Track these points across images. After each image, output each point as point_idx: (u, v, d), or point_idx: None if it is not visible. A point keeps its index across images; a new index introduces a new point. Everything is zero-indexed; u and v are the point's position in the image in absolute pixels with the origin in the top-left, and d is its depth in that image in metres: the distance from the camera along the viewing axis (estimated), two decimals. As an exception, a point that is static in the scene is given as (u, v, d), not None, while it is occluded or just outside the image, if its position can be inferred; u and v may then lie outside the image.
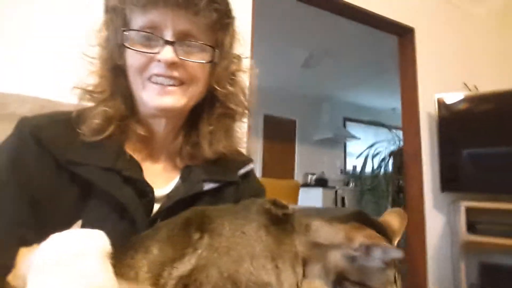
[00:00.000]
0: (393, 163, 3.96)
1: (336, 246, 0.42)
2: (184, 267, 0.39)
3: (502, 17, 2.60)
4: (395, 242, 0.48)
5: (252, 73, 0.68)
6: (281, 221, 0.45)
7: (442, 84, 2.41)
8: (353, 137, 5.68)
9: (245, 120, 0.68)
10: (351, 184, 5.27)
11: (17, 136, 0.52)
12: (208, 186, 0.59)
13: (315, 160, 5.48)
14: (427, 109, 2.36)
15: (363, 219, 0.45)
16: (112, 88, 0.57)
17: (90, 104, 0.58)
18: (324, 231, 0.44)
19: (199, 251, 0.41)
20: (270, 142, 5.14)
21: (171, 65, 0.53)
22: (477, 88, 2.39)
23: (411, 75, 2.42)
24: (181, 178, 0.61)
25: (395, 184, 3.79)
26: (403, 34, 2.47)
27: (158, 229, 0.45)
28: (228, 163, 0.63)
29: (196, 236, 0.42)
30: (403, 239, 2.27)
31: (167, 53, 0.52)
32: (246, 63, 0.66)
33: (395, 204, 3.55)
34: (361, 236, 0.40)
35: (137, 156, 0.58)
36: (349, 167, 5.70)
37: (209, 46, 0.56)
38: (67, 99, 0.63)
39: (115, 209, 0.51)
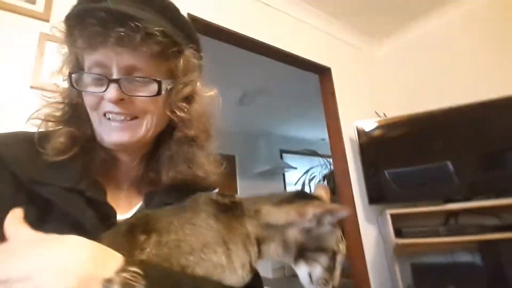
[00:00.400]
0: (328, 185, 4.20)
1: (290, 224, 0.46)
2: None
3: (396, 56, 3.20)
4: None
5: (213, 98, 0.68)
6: (230, 209, 0.47)
7: (358, 113, 2.81)
8: (290, 167, 5.97)
9: (213, 144, 0.66)
10: None
11: None
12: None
13: (256, 193, 5.49)
14: (349, 136, 2.70)
15: (303, 196, 0.51)
16: (76, 114, 0.58)
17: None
18: (275, 214, 0.47)
19: (148, 249, 0.41)
20: None
21: (119, 102, 0.53)
22: (385, 115, 2.83)
23: (333, 107, 2.75)
24: (144, 202, 0.61)
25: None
26: (322, 73, 2.85)
27: (105, 236, 0.44)
28: (191, 188, 0.60)
29: (142, 238, 0.42)
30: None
31: (111, 91, 0.52)
32: (204, 88, 0.65)
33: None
34: (311, 209, 0.45)
35: (101, 180, 0.58)
36: None
37: (154, 80, 0.55)
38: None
39: (77, 231, 0.47)
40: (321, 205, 0.46)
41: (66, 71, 0.58)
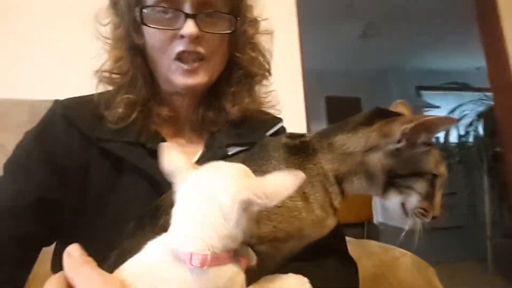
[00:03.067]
0: (485, 126, 3.32)
1: (373, 148, 0.40)
2: None
3: None
4: None
5: (272, 35, 0.67)
6: (300, 150, 0.44)
7: None
8: (431, 106, 5.16)
9: (267, 83, 0.67)
10: None
11: (48, 114, 0.57)
12: (233, 150, 0.58)
13: None
14: None
15: (383, 113, 0.44)
16: (133, 70, 0.57)
17: (109, 87, 0.59)
18: (352, 141, 0.42)
19: None
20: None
21: (195, 39, 0.52)
22: None
23: (494, 24, 2.08)
24: (205, 146, 0.60)
25: (489, 151, 3.22)
26: None
27: None
28: (254, 124, 0.62)
29: None
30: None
31: (190, 27, 0.51)
32: (263, 25, 0.65)
33: (492, 174, 2.99)
34: (398, 126, 0.39)
35: (161, 130, 0.59)
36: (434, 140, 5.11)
37: (230, 14, 0.55)
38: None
39: (146, 182, 0.52)
40: (411, 119, 0.39)
41: (117, 8, 0.57)
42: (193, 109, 0.62)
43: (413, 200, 0.41)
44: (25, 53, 1.38)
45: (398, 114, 0.44)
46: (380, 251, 0.90)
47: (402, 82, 5.30)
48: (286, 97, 1.17)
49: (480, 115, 3.47)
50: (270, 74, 0.66)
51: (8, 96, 0.93)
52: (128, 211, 0.48)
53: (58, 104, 0.57)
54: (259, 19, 0.64)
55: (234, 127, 0.60)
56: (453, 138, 4.20)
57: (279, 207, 0.38)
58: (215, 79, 0.60)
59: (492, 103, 2.61)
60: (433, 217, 0.42)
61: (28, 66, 1.37)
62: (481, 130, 3.37)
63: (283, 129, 0.67)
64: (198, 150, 0.60)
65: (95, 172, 0.54)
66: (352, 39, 4.08)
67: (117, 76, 0.58)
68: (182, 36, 0.52)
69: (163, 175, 0.48)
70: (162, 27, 0.52)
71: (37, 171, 0.51)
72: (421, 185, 0.40)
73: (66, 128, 0.54)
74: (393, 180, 0.41)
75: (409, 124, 0.38)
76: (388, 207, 0.43)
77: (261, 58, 0.63)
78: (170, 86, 0.57)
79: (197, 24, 0.51)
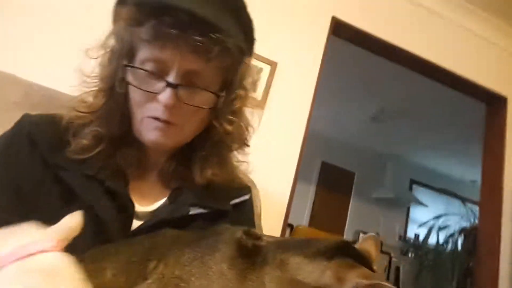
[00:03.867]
0: (464, 242, 3.43)
1: (323, 285, 0.36)
2: None
3: None
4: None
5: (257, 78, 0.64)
6: (251, 254, 0.40)
7: None
8: (420, 203, 5.14)
9: (245, 152, 0.65)
10: (410, 254, 4.69)
11: (16, 128, 0.55)
12: (195, 211, 0.56)
13: (370, 219, 5.08)
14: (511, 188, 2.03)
15: (347, 251, 0.39)
16: (110, 105, 0.55)
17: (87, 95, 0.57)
18: (306, 269, 0.38)
19: (149, 281, 0.38)
20: (323, 191, 4.97)
21: (170, 108, 0.51)
22: None
23: (497, 147, 2.14)
24: (168, 198, 0.59)
25: (462, 266, 3.27)
26: (493, 102, 2.23)
27: (123, 248, 0.43)
28: (221, 191, 0.61)
29: (152, 264, 0.39)
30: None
31: (167, 96, 0.50)
32: (253, 95, 0.66)
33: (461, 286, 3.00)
34: (354, 277, 0.35)
35: (126, 170, 0.57)
36: (411, 235, 5.14)
37: (214, 93, 0.54)
38: (65, 89, 0.64)
39: (93, 220, 0.49)
40: (367, 275, 0.35)
41: (108, 54, 0.56)
42: (165, 159, 0.61)
43: None
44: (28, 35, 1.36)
45: (361, 256, 0.40)
46: None
47: (398, 171, 5.36)
48: (281, 150, 1.53)
49: (462, 230, 3.55)
50: (247, 145, 0.64)
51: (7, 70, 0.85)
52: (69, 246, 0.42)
53: (26, 120, 0.55)
54: (249, 93, 0.62)
55: (201, 188, 0.58)
56: (432, 239, 4.23)
57: None
58: (189, 141, 0.59)
59: (476, 222, 2.59)
60: None
61: (32, 47, 1.35)
62: (459, 245, 3.46)
63: (250, 200, 0.67)
64: (158, 200, 0.59)
65: (44, 197, 0.51)
66: (364, 119, 4.22)
67: (94, 108, 0.56)
68: (159, 104, 0.51)
69: (111, 219, 0.48)
70: (141, 87, 0.51)
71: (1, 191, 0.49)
72: None
73: (29, 147, 0.52)
74: None
75: (365, 280, 0.35)
76: None
77: (239, 133, 0.62)
78: (141, 138, 0.56)
79: (176, 95, 0.50)
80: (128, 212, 0.53)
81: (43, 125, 0.55)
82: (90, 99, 0.56)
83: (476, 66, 2.15)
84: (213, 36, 0.48)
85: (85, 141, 0.53)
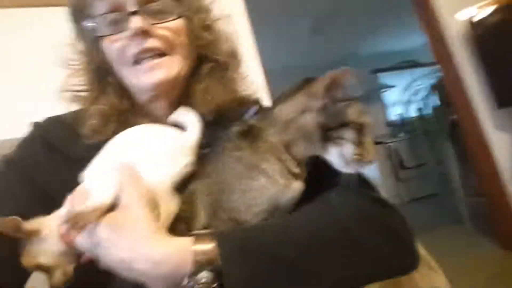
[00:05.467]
0: (439, 97, 3.37)
1: (304, 110, 0.45)
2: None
3: None
4: None
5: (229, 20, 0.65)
6: (249, 133, 0.48)
7: (459, 3, 2.20)
8: (387, 86, 5.30)
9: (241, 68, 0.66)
10: (402, 134, 4.87)
11: (28, 138, 0.57)
12: (207, 150, 0.56)
13: None
14: (455, 32, 2.18)
15: (311, 80, 0.47)
16: (101, 87, 0.57)
17: (81, 106, 0.58)
18: (287, 108, 0.47)
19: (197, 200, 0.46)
20: None
21: (144, 34, 0.52)
22: None
23: (426, 2, 2.22)
24: None
25: (447, 120, 3.21)
26: None
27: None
28: (230, 119, 0.58)
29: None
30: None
31: (135, 22, 0.51)
32: (216, 10, 0.65)
33: (454, 141, 3.03)
34: (320, 84, 0.44)
35: None
36: (395, 118, 5.34)
37: (173, 2, 0.55)
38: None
39: None
40: (330, 76, 0.44)
41: (77, 38, 0.58)
42: (169, 111, 0.60)
43: (348, 148, 0.44)
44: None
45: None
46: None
47: (358, 67, 4.70)
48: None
49: (433, 87, 3.54)
50: (238, 60, 0.65)
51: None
52: None
53: (36, 127, 0.57)
54: (209, 6, 0.63)
55: (211, 124, 0.58)
56: (413, 111, 4.47)
57: (246, 192, 0.44)
58: (185, 75, 0.58)
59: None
60: (370, 162, 0.45)
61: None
62: (437, 101, 3.45)
63: (260, 110, 0.64)
64: None
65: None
66: (304, 36, 4.23)
67: (85, 91, 0.58)
68: (133, 36, 0.51)
69: None
70: (112, 33, 0.53)
71: (19, 198, 0.51)
72: (350, 134, 0.44)
73: (47, 151, 0.54)
74: (327, 135, 0.44)
75: (326, 80, 0.43)
76: (332, 162, 0.46)
77: (223, 43, 0.62)
78: (141, 92, 0.57)
79: (143, 19, 0.51)
80: None
81: (53, 127, 0.57)
82: (78, 82, 0.58)
83: None
84: None
85: (94, 121, 0.54)
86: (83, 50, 0.58)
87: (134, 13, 0.51)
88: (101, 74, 0.57)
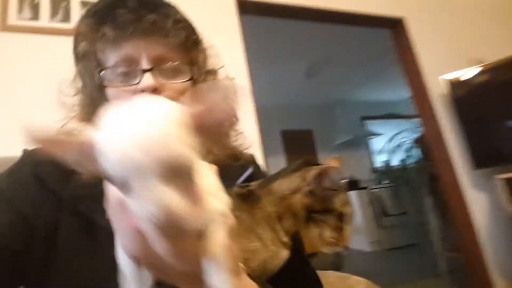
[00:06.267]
0: (421, 150, 3.62)
1: (296, 190, 0.50)
2: None
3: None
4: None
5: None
6: (248, 197, 0.51)
7: (444, 65, 2.36)
8: (374, 134, 5.54)
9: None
10: (386, 181, 4.92)
11: (19, 168, 0.54)
12: None
13: (340, 165, 5.14)
14: (438, 92, 2.31)
15: (310, 163, 0.53)
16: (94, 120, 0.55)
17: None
18: (284, 185, 0.51)
19: None
20: (292, 156, 5.14)
21: (153, 92, 0.52)
22: (483, 62, 2.28)
23: (412, 63, 2.40)
24: None
25: (427, 172, 3.38)
26: (394, 26, 2.46)
27: None
28: (224, 173, 0.56)
29: None
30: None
31: (147, 80, 0.52)
32: (223, 74, 0.67)
33: (432, 193, 3.17)
34: (313, 172, 0.49)
35: None
36: (381, 164, 5.40)
37: (185, 65, 0.57)
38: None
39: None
40: (320, 167, 0.49)
41: (81, 79, 0.58)
42: None
43: (327, 232, 0.49)
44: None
45: (321, 164, 0.53)
46: (337, 281, 0.92)
47: (347, 113, 5.72)
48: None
49: (416, 141, 3.77)
50: (237, 119, 0.63)
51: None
52: (98, 280, 0.43)
53: (28, 159, 0.55)
54: (217, 68, 0.65)
55: None
56: (397, 161, 4.51)
57: (242, 251, 0.45)
58: None
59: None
60: (345, 247, 0.49)
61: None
62: (419, 154, 3.66)
63: (256, 170, 0.66)
64: None
65: (65, 232, 0.49)
66: (299, 77, 4.47)
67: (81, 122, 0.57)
68: (142, 91, 0.52)
69: None
70: (121, 85, 0.53)
71: (3, 221, 0.48)
72: (332, 220, 0.49)
73: (37, 187, 0.52)
74: (310, 215, 0.50)
75: (318, 170, 0.48)
76: (309, 237, 0.51)
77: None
78: None
79: (154, 77, 0.52)
80: None
81: (45, 162, 0.53)
82: (77, 124, 0.57)
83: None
84: (163, 10, 0.55)
85: None
86: (83, 93, 0.58)
87: (147, 70, 0.52)
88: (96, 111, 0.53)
